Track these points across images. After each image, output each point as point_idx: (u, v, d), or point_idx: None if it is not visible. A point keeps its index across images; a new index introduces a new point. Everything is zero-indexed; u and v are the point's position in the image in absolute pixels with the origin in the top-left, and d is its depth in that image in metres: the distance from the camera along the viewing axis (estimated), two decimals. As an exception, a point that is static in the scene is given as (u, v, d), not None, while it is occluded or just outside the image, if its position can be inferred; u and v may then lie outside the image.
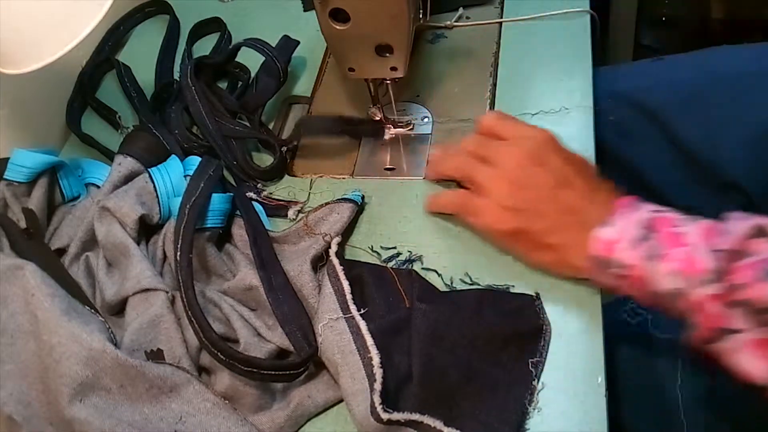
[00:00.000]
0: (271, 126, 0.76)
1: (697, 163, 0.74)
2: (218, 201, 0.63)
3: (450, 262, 0.62)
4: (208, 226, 0.62)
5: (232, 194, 0.65)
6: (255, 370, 0.54)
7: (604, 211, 0.53)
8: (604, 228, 0.52)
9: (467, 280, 0.60)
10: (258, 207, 0.67)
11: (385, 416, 0.49)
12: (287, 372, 0.54)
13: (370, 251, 0.64)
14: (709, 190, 0.75)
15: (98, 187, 0.69)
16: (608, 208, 0.53)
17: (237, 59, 0.80)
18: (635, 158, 0.77)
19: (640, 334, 0.64)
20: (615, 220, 0.52)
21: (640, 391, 0.64)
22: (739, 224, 0.49)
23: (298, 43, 0.77)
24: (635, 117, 0.76)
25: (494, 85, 0.75)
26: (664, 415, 0.62)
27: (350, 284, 0.58)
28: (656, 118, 0.75)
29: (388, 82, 0.70)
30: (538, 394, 0.53)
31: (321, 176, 0.71)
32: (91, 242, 0.64)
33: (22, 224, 0.63)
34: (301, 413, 0.55)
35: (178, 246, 0.58)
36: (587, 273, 0.54)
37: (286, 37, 0.77)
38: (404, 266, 0.62)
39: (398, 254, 0.63)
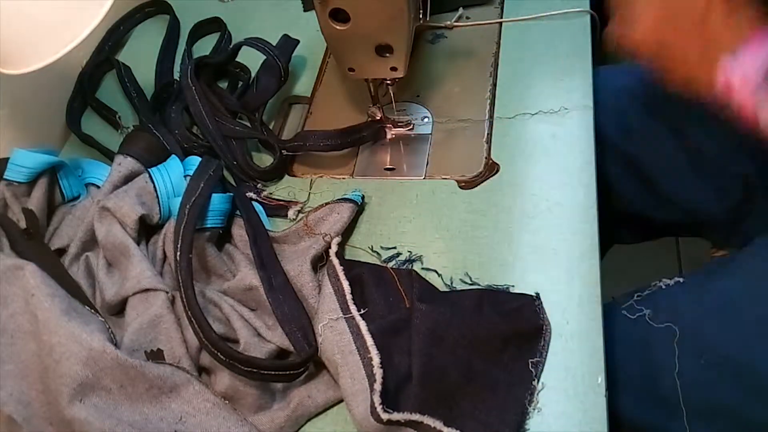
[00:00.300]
0: (271, 126, 0.76)
1: (701, 153, 0.74)
2: (218, 201, 0.63)
3: (450, 262, 0.62)
4: (208, 226, 0.62)
5: (232, 194, 0.65)
6: (255, 370, 0.54)
7: (738, 39, 0.54)
8: (732, 58, 0.53)
9: (467, 280, 0.60)
10: (258, 207, 0.67)
11: (385, 416, 0.49)
12: (287, 372, 0.54)
13: (370, 251, 0.64)
14: (711, 184, 0.75)
15: (98, 187, 0.69)
16: (742, 37, 0.54)
17: (237, 59, 0.80)
18: (639, 152, 0.78)
19: (638, 328, 0.64)
20: (745, 51, 0.53)
21: (640, 382, 0.64)
22: None
23: (298, 42, 0.77)
24: (639, 112, 0.77)
25: (494, 85, 0.75)
26: (663, 404, 0.62)
27: (350, 284, 0.58)
28: (659, 110, 0.75)
29: (388, 82, 0.70)
30: (538, 394, 0.53)
31: (321, 176, 0.71)
32: (91, 242, 0.64)
33: (22, 224, 0.63)
34: (301, 413, 0.55)
35: (178, 246, 0.58)
36: (717, 95, 0.55)
37: (286, 36, 0.77)
38: (404, 266, 0.62)
39: (398, 254, 0.63)
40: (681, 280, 0.66)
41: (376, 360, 0.52)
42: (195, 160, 0.66)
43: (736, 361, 0.60)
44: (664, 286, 0.66)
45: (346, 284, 0.58)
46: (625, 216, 0.84)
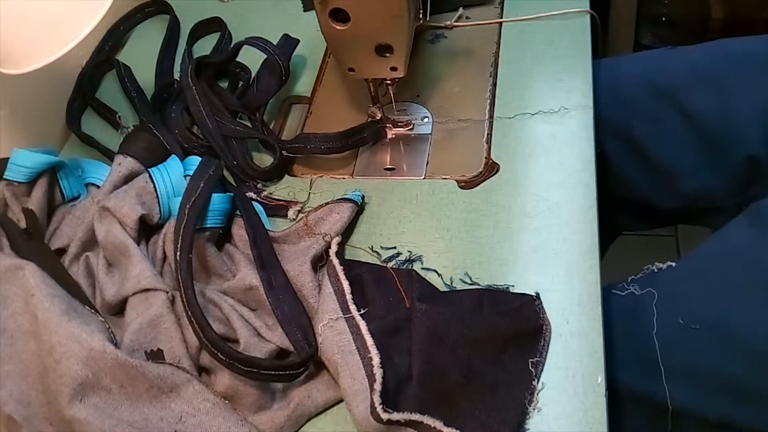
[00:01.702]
0: (270, 126, 0.76)
1: (710, 137, 0.74)
2: (218, 201, 0.63)
3: (450, 262, 0.62)
4: (208, 226, 0.62)
5: (232, 194, 0.65)
6: (255, 370, 0.54)
7: None
8: None
9: (467, 280, 0.60)
10: (258, 207, 0.67)
11: (385, 416, 0.49)
12: (287, 372, 0.54)
13: (370, 251, 0.64)
14: (719, 171, 0.76)
15: (98, 187, 0.69)
16: None
17: (237, 59, 0.80)
18: (647, 140, 0.78)
19: (627, 301, 0.66)
20: None
21: (630, 351, 0.65)
22: None
23: (298, 41, 0.77)
24: (648, 97, 0.77)
25: (494, 85, 0.75)
26: (650, 368, 0.63)
27: (350, 284, 0.58)
28: (669, 95, 0.76)
29: (388, 82, 0.70)
30: (538, 394, 0.53)
31: (321, 176, 0.71)
32: (91, 242, 0.64)
33: (22, 224, 0.63)
34: (301, 413, 0.55)
35: (178, 246, 0.58)
36: None
37: (286, 36, 0.77)
38: (404, 266, 0.62)
39: (398, 254, 0.63)
40: (673, 264, 0.66)
41: (376, 360, 0.52)
42: (195, 160, 0.66)
43: (713, 321, 0.60)
44: (656, 270, 0.67)
45: (346, 284, 0.58)
46: (629, 203, 0.85)
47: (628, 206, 0.86)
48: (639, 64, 0.80)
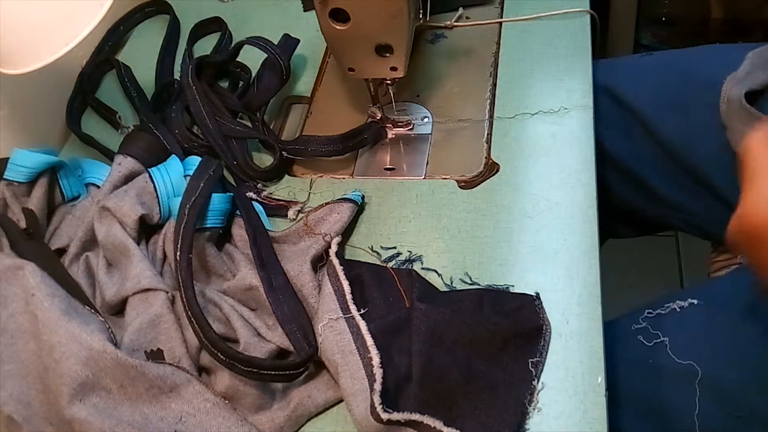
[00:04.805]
0: (270, 126, 0.76)
1: (676, 161, 0.74)
2: (218, 201, 0.63)
3: (450, 262, 0.62)
4: (208, 226, 0.62)
5: (232, 194, 0.65)
6: (255, 370, 0.54)
7: None
8: None
9: (467, 280, 0.60)
10: (258, 207, 0.67)
11: (384, 416, 0.50)
12: (287, 372, 0.54)
13: (370, 251, 0.64)
14: (689, 190, 0.75)
15: (98, 187, 0.69)
16: None
17: (237, 59, 0.80)
18: (623, 151, 0.77)
19: (655, 357, 0.62)
20: None
21: (653, 414, 0.62)
22: None
23: (298, 41, 0.77)
24: (620, 113, 0.76)
25: (494, 85, 0.75)
26: None
27: (350, 284, 0.58)
28: (638, 116, 0.75)
29: (388, 82, 0.70)
30: (538, 394, 0.53)
31: (321, 176, 0.71)
32: (91, 242, 0.64)
33: (22, 224, 0.63)
34: (301, 413, 0.55)
35: (178, 246, 0.58)
36: None
37: (286, 36, 0.77)
38: (404, 266, 0.62)
39: (398, 254, 0.63)
40: (695, 302, 0.63)
41: (376, 360, 0.52)
42: (195, 160, 0.66)
43: (762, 415, 0.58)
44: (678, 309, 0.64)
45: (346, 284, 0.58)
46: (617, 211, 0.84)
47: (616, 214, 0.85)
48: (615, 76, 0.78)
